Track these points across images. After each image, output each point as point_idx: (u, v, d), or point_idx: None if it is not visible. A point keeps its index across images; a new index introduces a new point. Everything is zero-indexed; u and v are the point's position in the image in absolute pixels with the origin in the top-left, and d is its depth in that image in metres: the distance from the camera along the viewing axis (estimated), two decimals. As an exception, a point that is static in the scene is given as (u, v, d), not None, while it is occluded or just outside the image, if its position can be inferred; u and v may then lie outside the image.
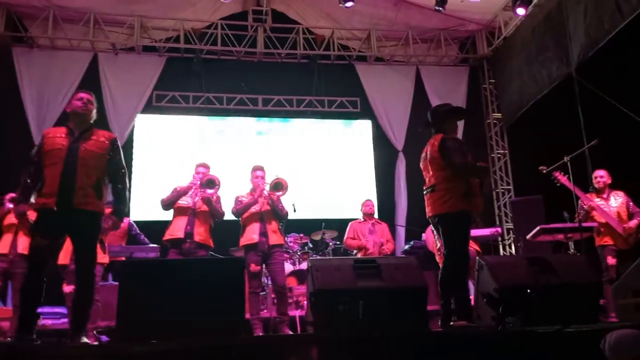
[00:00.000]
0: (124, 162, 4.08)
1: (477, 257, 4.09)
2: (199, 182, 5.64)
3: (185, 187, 5.69)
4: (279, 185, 5.76)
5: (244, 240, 5.58)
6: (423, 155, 4.50)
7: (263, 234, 5.53)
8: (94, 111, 4.05)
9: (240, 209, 5.66)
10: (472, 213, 4.24)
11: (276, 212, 5.70)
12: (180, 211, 5.62)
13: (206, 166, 5.93)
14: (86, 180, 3.78)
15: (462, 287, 4.03)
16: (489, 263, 3.94)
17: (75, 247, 3.88)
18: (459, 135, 9.48)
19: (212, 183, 5.63)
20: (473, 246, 5.97)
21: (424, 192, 4.41)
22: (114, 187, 4.03)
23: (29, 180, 3.86)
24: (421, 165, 4.54)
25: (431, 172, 4.34)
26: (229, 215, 5.85)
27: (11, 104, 8.72)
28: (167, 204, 5.66)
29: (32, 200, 3.90)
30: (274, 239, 5.56)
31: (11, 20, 8.93)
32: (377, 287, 3.70)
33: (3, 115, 8.67)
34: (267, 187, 5.74)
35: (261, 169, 5.90)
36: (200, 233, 5.52)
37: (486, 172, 4.20)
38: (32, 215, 4.04)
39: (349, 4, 8.54)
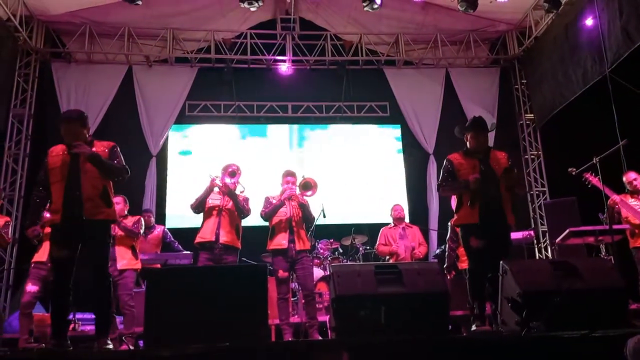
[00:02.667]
0: (123, 162, 4.21)
1: (501, 262, 4.05)
2: (220, 176, 5.76)
3: (208, 185, 5.78)
4: (307, 185, 5.85)
5: (272, 245, 5.67)
6: None
7: (291, 240, 5.62)
8: (85, 130, 4.16)
9: (269, 212, 5.75)
10: (464, 225, 4.59)
11: (306, 217, 5.78)
12: (208, 212, 5.70)
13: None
14: (92, 191, 3.94)
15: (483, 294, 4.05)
16: (512, 268, 3.90)
17: (89, 255, 4.01)
18: (492, 138, 9.60)
19: (233, 173, 5.77)
20: None
21: None
22: None
23: (37, 200, 4.06)
24: None
25: None
26: (259, 221, 5.95)
27: (51, 117, 9.07)
28: (195, 206, 5.76)
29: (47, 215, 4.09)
30: (301, 244, 5.64)
31: (50, 36, 9.31)
32: (398, 292, 3.72)
33: (43, 128, 9.04)
34: (297, 190, 5.84)
35: (292, 174, 5.96)
36: (225, 234, 5.56)
37: (462, 187, 4.51)
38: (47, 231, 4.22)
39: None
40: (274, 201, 5.81)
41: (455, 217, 4.68)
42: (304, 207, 5.78)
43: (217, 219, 5.62)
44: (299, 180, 5.90)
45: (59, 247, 3.90)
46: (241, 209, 5.70)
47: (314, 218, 5.96)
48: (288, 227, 5.67)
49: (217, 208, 5.68)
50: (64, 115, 4.22)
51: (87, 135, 4.18)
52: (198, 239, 5.65)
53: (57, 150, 4.12)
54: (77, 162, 3.98)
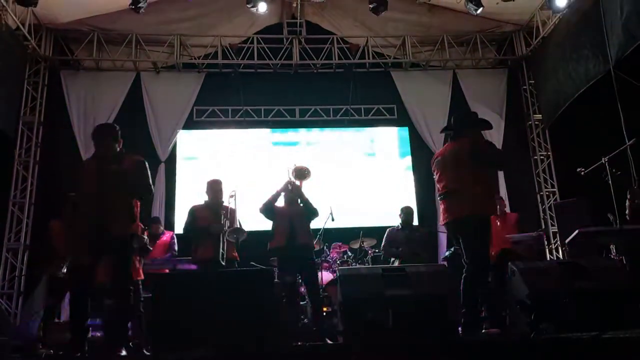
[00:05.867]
0: (150, 181, 4.24)
1: (509, 263, 4.02)
2: None
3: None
4: (302, 172, 5.81)
5: (273, 243, 5.66)
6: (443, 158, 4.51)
7: (292, 234, 5.58)
8: (115, 144, 4.23)
9: (266, 203, 5.74)
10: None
11: (308, 208, 5.74)
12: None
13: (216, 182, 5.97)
14: (115, 204, 3.99)
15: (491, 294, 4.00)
16: (520, 269, 3.87)
17: (112, 267, 4.08)
18: (500, 137, 9.55)
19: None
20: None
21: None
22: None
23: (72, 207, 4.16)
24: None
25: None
26: (267, 225, 5.92)
27: (61, 124, 9.14)
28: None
29: None
30: (304, 239, 5.62)
31: (58, 44, 9.38)
32: (405, 295, 3.70)
33: (53, 135, 9.12)
34: (292, 177, 5.84)
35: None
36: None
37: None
38: None
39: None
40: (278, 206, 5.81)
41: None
42: (305, 202, 5.74)
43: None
44: (290, 169, 5.86)
45: (81, 255, 3.98)
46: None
47: (316, 209, 5.87)
48: (288, 221, 5.64)
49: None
50: (96, 128, 4.30)
51: (118, 148, 4.23)
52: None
53: (89, 164, 4.21)
54: (105, 177, 4.03)
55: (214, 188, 5.80)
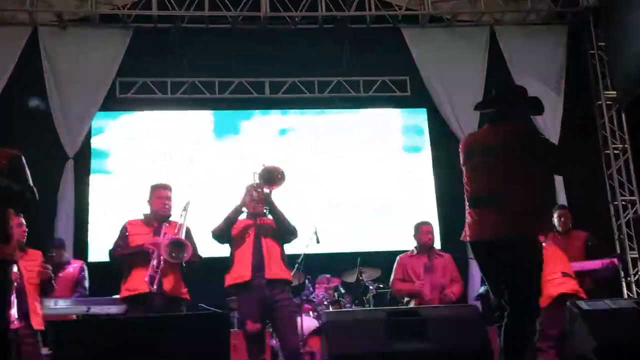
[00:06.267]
0: (31, 182, 4.19)
1: (569, 304, 4.07)
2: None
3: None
4: (271, 176, 5.73)
5: (230, 279, 5.59)
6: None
7: (257, 264, 5.50)
8: None
9: (222, 223, 5.70)
10: None
11: (282, 226, 5.73)
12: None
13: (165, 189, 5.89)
14: None
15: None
16: (585, 311, 3.91)
17: None
18: (557, 124, 9.63)
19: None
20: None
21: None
22: None
23: None
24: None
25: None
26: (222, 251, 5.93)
27: None
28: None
29: None
30: (275, 271, 5.55)
31: None
32: (420, 351, 3.72)
33: None
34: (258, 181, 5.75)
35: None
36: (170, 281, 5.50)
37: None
38: None
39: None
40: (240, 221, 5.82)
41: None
42: (277, 217, 5.76)
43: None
44: (256, 172, 5.79)
45: None
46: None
47: (294, 227, 5.81)
48: (251, 244, 5.60)
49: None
50: None
51: None
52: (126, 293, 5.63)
53: None
54: None
55: (159, 196, 5.78)
